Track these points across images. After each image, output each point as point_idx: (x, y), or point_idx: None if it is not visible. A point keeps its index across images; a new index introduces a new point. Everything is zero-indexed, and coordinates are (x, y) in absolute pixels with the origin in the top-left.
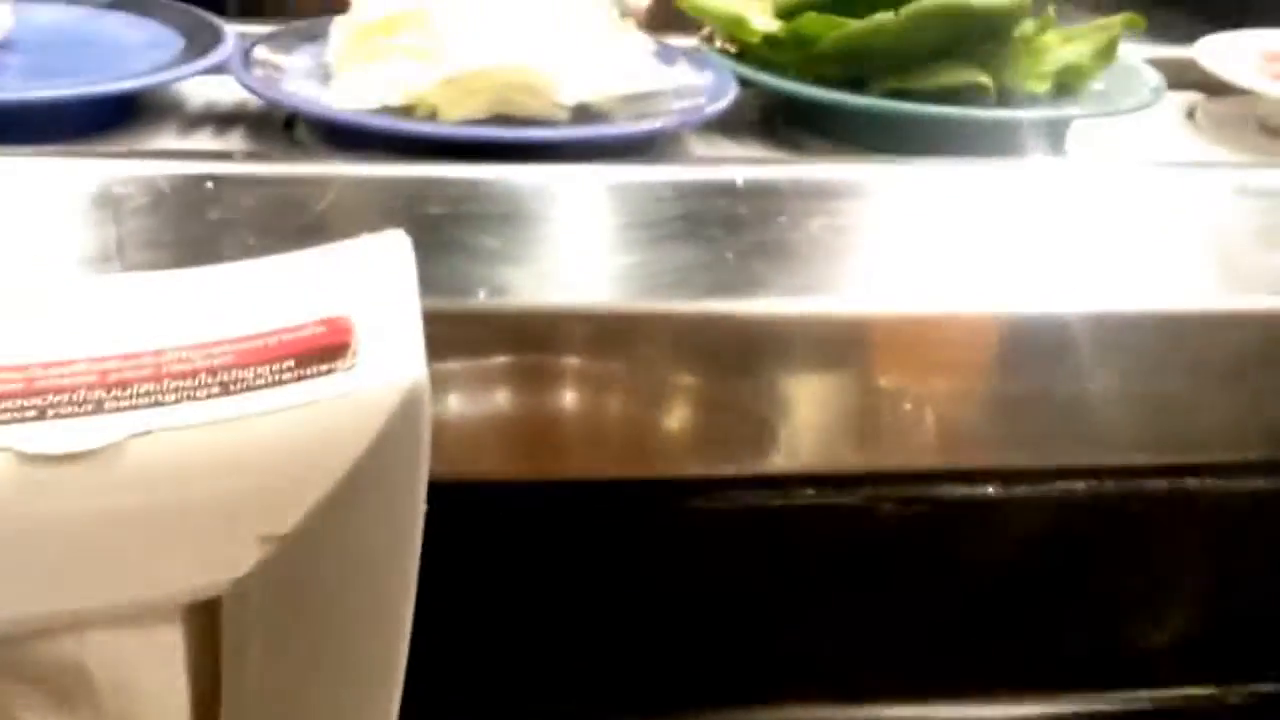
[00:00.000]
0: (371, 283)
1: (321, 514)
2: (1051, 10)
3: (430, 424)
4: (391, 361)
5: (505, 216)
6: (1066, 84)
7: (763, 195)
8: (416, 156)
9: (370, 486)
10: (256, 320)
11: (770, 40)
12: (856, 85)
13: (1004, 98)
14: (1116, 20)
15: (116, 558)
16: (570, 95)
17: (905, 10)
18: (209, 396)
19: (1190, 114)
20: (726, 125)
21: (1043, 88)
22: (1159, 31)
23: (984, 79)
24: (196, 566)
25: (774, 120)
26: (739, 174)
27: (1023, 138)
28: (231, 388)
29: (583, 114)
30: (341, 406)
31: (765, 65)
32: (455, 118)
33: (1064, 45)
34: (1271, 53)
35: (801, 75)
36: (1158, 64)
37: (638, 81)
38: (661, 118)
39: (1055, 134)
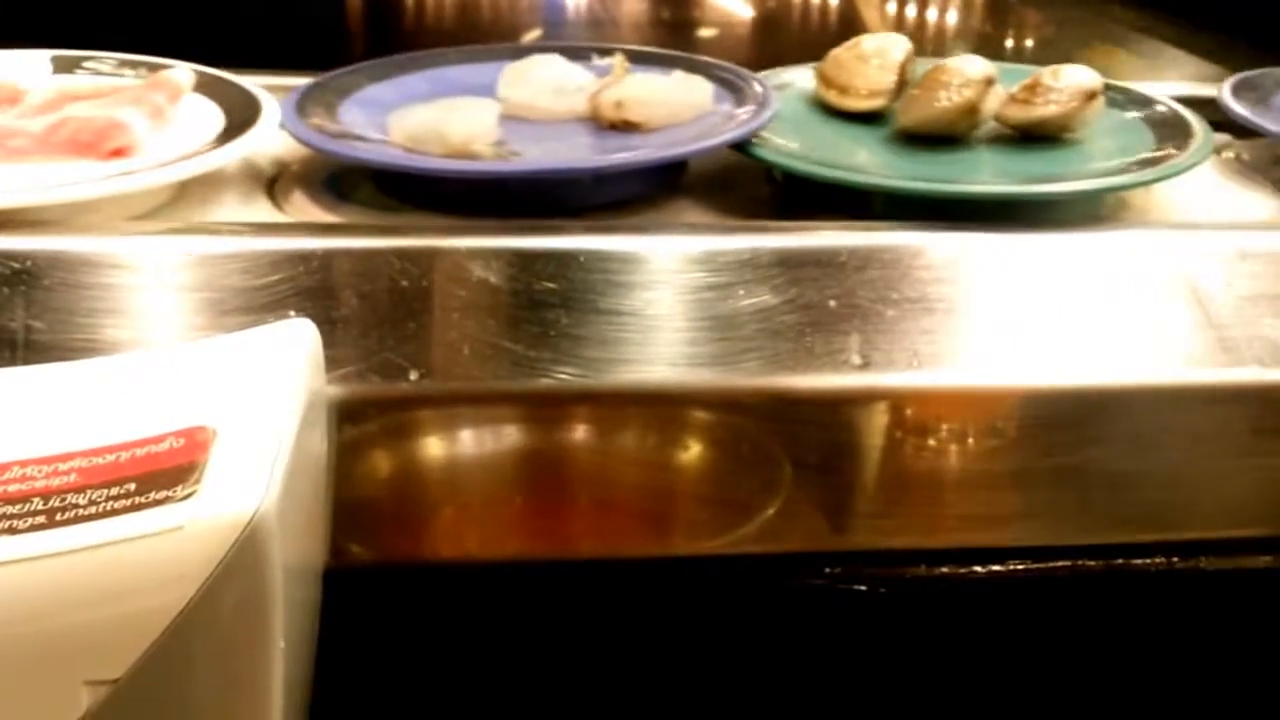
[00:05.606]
0: (254, 383)
1: (155, 657)
2: None
3: (280, 554)
4: (238, 489)
5: None
6: None
7: None
8: None
9: (209, 627)
10: (119, 426)
11: None
12: None
13: None
14: None
15: None
16: None
17: None
18: (31, 529)
19: None
20: None
21: None
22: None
23: None
24: (18, 718)
25: None
26: None
27: None
28: (58, 517)
29: None
30: (173, 542)
31: None
32: None
33: None
34: None
35: None
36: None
37: None
38: None
39: None
